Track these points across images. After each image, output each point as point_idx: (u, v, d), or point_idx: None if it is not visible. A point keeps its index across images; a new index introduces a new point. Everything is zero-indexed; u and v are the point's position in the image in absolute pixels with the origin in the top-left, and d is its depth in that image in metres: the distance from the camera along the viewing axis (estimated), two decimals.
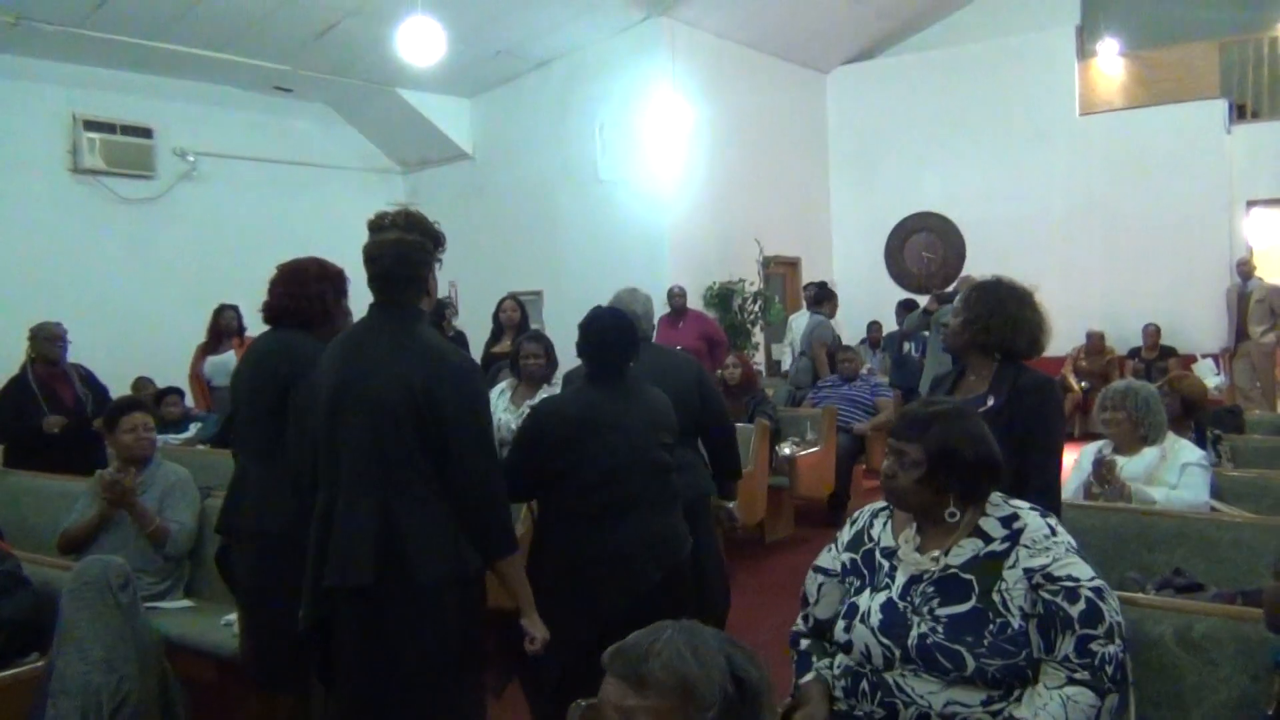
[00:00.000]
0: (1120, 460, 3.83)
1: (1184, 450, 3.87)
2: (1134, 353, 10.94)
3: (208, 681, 3.66)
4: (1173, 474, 3.78)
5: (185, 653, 3.52)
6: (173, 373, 8.18)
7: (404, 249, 2.64)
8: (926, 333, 8.12)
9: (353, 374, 2.57)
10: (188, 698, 3.05)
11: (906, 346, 9.10)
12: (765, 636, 3.95)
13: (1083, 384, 10.61)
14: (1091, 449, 4.04)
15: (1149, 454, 3.87)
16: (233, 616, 3.55)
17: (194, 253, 9.92)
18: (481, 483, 2.54)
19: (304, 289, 3.12)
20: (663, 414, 3.21)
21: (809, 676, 2.32)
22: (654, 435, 3.13)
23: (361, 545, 2.46)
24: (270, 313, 3.17)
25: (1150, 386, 4.06)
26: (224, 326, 7.88)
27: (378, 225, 2.68)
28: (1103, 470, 3.74)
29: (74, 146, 9.29)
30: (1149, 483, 3.77)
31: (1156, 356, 10.45)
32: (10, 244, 8.81)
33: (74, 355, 6.23)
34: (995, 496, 2.23)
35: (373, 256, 2.64)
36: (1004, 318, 2.94)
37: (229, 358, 7.72)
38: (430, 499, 2.50)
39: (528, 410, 3.53)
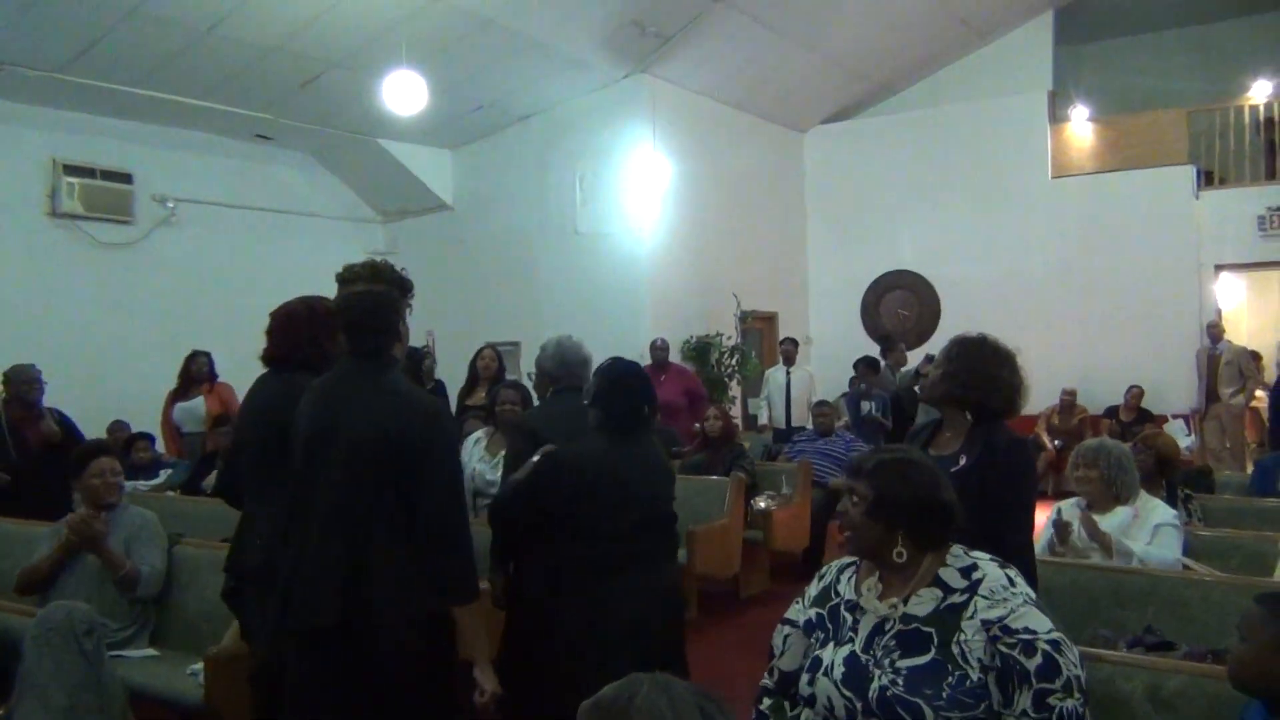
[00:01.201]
0: (1095, 518, 3.85)
1: (1157, 510, 3.90)
2: (1110, 412, 11.02)
3: None
4: (1145, 533, 3.81)
5: (150, 702, 3.46)
6: (148, 417, 8.14)
7: (372, 300, 2.72)
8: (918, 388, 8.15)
9: (327, 421, 2.62)
10: None
11: (865, 406, 9.14)
12: (738, 691, 3.91)
13: (1056, 442, 10.68)
14: (1065, 505, 4.06)
15: (1122, 513, 3.89)
16: (198, 666, 3.50)
17: (171, 298, 9.88)
18: (446, 528, 2.57)
19: (296, 334, 3.16)
20: (666, 467, 3.27)
21: None
22: (663, 488, 3.18)
23: (327, 587, 2.49)
24: (267, 358, 3.21)
25: (1123, 446, 4.10)
26: (195, 373, 7.86)
27: (345, 278, 2.78)
28: (1063, 532, 3.79)
29: (53, 190, 9.26)
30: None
31: (1134, 419, 10.53)
32: None
33: (50, 398, 6.18)
34: (956, 548, 2.24)
35: (342, 308, 2.74)
36: (983, 376, 2.96)
37: (198, 404, 7.69)
38: (396, 542, 2.53)
39: (507, 457, 3.45)
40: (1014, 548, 2.72)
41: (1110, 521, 3.86)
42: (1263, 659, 2.01)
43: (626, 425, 3.14)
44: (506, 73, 9.93)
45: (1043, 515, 4.18)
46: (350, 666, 2.49)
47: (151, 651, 3.99)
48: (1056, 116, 12.33)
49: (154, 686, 3.58)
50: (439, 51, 8.88)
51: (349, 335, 2.72)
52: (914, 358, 9.91)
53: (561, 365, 3.82)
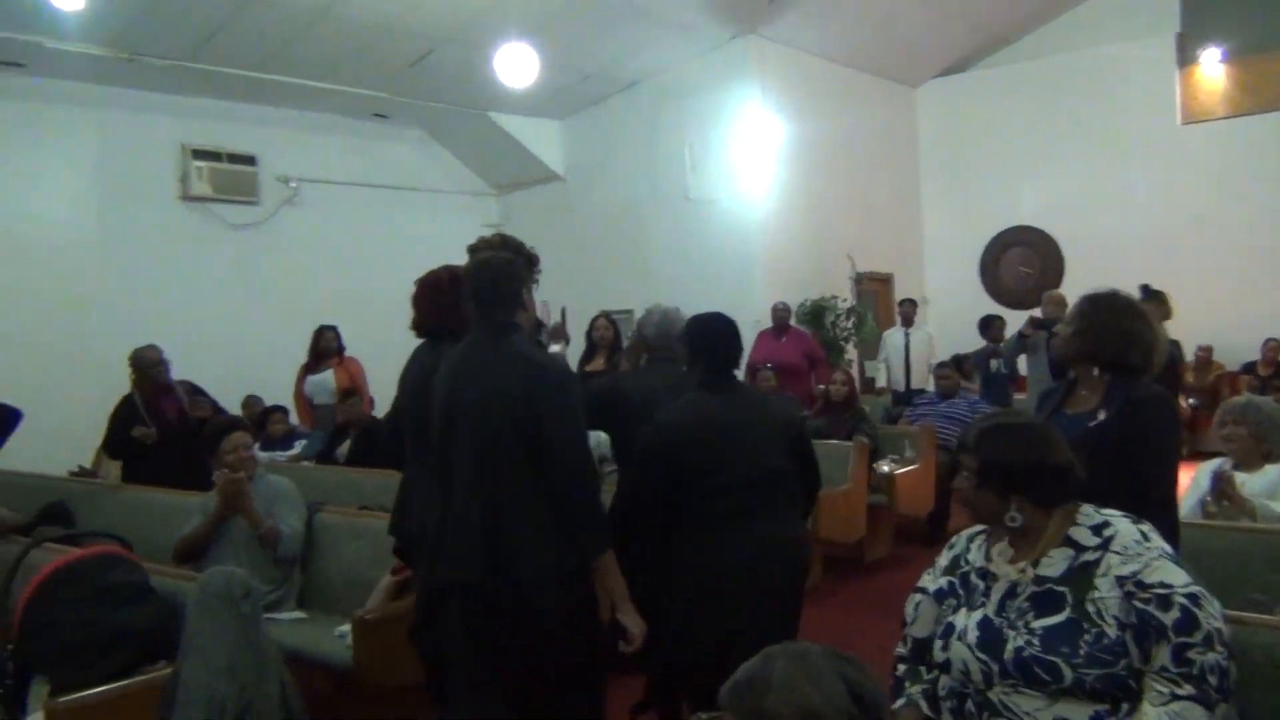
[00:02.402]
0: (1240, 476, 3.70)
1: None
2: (1248, 368, 10.53)
3: (322, 691, 3.75)
4: None
5: (300, 663, 3.60)
6: (280, 391, 8.43)
7: (496, 267, 2.82)
8: (1024, 356, 7.94)
9: (458, 386, 2.74)
10: (305, 706, 3.11)
11: (994, 364, 8.92)
12: (865, 654, 3.89)
13: (1190, 401, 10.27)
14: (1209, 466, 3.91)
15: (1271, 471, 3.74)
16: (345, 628, 3.63)
17: (297, 275, 10.23)
18: (575, 486, 2.64)
19: (440, 299, 3.25)
20: (784, 420, 3.26)
21: (900, 703, 2.31)
22: (775, 441, 3.16)
23: (470, 544, 2.60)
24: (419, 327, 3.32)
25: (1272, 402, 3.92)
26: (323, 347, 8.06)
27: (475, 248, 2.93)
28: (1222, 485, 3.62)
29: (184, 175, 9.67)
30: (1272, 500, 3.63)
31: (1274, 373, 10.04)
32: (127, 268, 9.22)
33: (186, 374, 6.43)
34: (1086, 507, 2.20)
35: (470, 276, 2.85)
36: (1116, 331, 2.86)
37: (327, 376, 7.91)
38: (532, 500, 2.63)
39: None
40: (1156, 503, 2.64)
41: (1259, 481, 3.70)
42: None
43: (723, 376, 3.20)
44: (613, 40, 9.91)
45: (1184, 476, 4.04)
46: (497, 620, 2.59)
47: (300, 614, 4.17)
48: (1185, 59, 11.71)
49: (304, 647, 3.73)
50: (547, 23, 8.91)
51: (475, 301, 2.82)
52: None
53: (662, 336, 3.87)
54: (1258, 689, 2.26)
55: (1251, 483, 3.70)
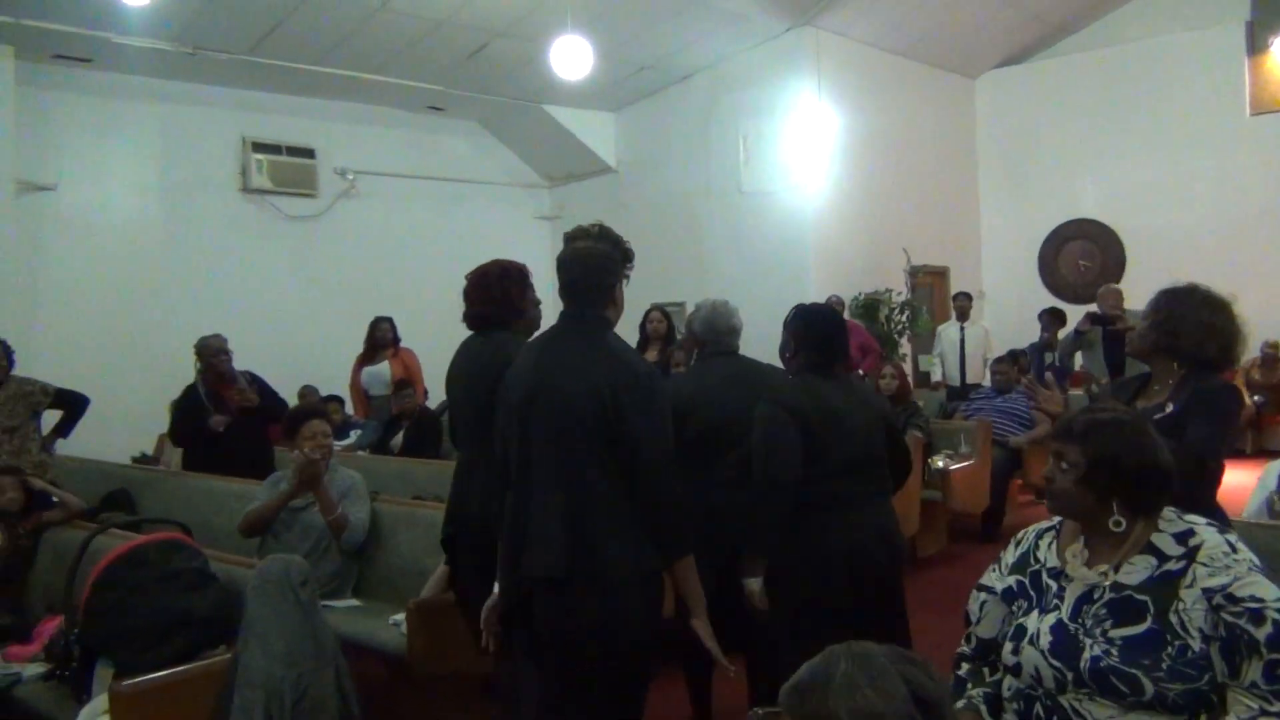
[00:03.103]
0: None
1: None
2: None
3: (376, 678, 3.80)
4: None
5: (355, 650, 3.65)
6: (335, 381, 8.54)
7: (592, 258, 2.77)
8: (1080, 353, 7.80)
9: (543, 379, 2.69)
10: (359, 693, 3.15)
11: (1049, 358, 8.78)
12: (920, 650, 3.85)
13: (1256, 398, 10.03)
14: (1278, 465, 3.81)
15: None
16: (400, 617, 3.67)
17: (353, 266, 10.35)
18: (658, 487, 2.60)
19: (490, 291, 3.26)
20: (880, 407, 3.34)
21: (960, 704, 2.25)
22: (879, 427, 3.22)
23: (554, 539, 2.58)
24: (471, 320, 3.33)
25: None
26: (379, 338, 8.15)
27: (572, 236, 2.87)
28: None
29: (244, 168, 9.83)
30: None
31: None
32: (189, 259, 9.38)
33: (244, 364, 6.54)
34: (1169, 512, 2.11)
35: (563, 265, 2.78)
36: (1194, 324, 2.79)
37: (383, 368, 7.99)
38: (616, 499, 2.60)
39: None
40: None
41: None
42: None
43: (829, 362, 3.24)
44: (668, 32, 9.89)
45: (1249, 475, 3.95)
46: (578, 616, 2.58)
47: (355, 602, 4.22)
48: (1256, 47, 11.40)
49: (360, 634, 3.78)
50: (602, 15, 8.91)
51: (566, 291, 2.77)
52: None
53: (709, 330, 3.84)
54: None
55: None
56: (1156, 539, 2.07)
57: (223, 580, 3.31)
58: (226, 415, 6.04)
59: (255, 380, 6.35)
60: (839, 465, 3.08)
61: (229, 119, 9.75)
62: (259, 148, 9.88)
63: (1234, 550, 2.01)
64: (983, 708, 2.23)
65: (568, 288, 2.77)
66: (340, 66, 9.41)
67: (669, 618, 2.89)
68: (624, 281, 2.87)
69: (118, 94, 9.10)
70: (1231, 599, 1.94)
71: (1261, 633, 1.90)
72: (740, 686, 3.34)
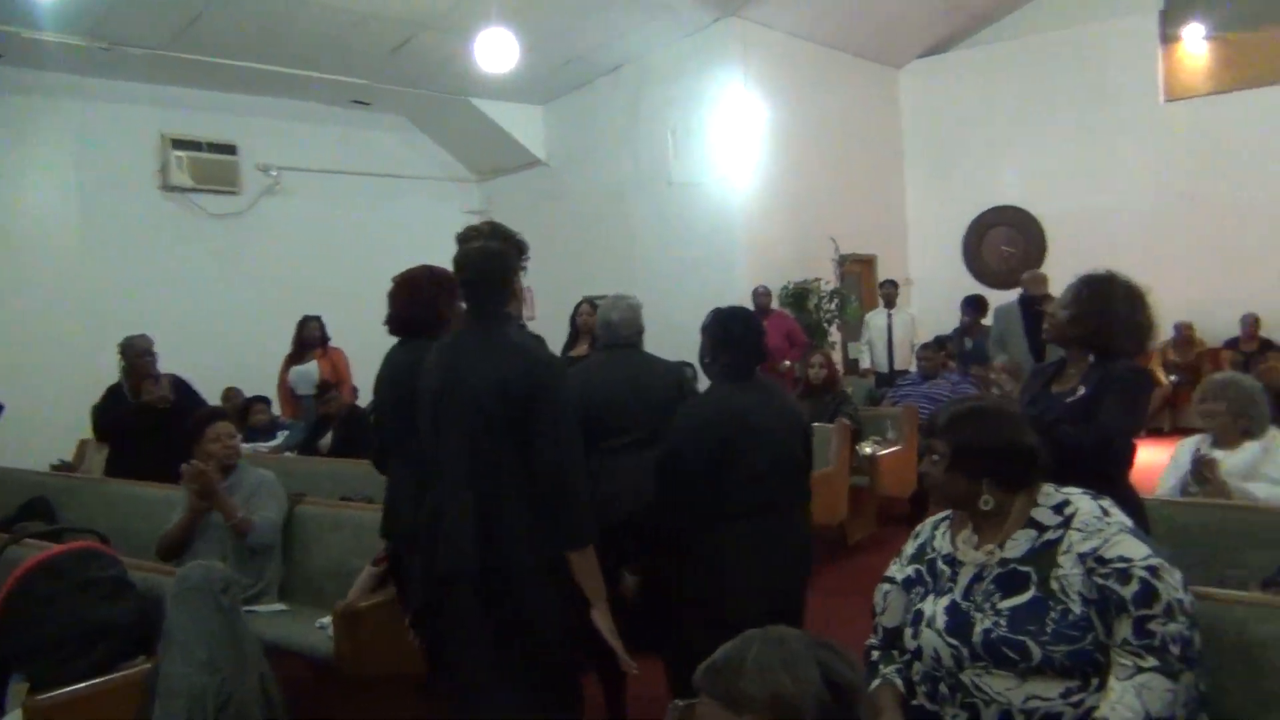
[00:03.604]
0: (1220, 454, 3.71)
1: None
2: (1230, 344, 10.59)
3: (303, 683, 3.75)
4: (1275, 469, 3.66)
5: (281, 655, 3.60)
6: (262, 382, 8.40)
7: (487, 257, 2.80)
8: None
9: (450, 378, 2.73)
10: (285, 698, 3.11)
11: (968, 343, 8.98)
12: (850, 636, 3.91)
13: (1173, 378, 10.32)
14: (1189, 443, 3.92)
15: (1250, 448, 3.74)
16: (327, 620, 3.63)
17: (278, 265, 10.18)
18: (561, 476, 2.64)
19: (418, 298, 3.26)
20: (796, 411, 3.32)
21: (876, 683, 2.32)
22: (796, 432, 3.22)
23: (464, 535, 2.62)
24: (394, 325, 3.31)
25: (1252, 379, 3.94)
26: (307, 337, 8.05)
27: (464, 237, 2.92)
28: (1202, 468, 3.63)
29: (163, 165, 9.60)
30: (1250, 478, 3.65)
31: (1256, 349, 10.09)
32: (108, 259, 9.14)
33: (166, 366, 6.42)
34: (1047, 487, 2.22)
35: (460, 265, 2.82)
36: (1117, 318, 2.87)
37: (311, 368, 7.90)
38: (525, 492, 2.64)
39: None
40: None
41: (1238, 458, 3.71)
42: None
43: (748, 366, 3.23)
44: (595, 24, 9.86)
45: (1165, 454, 4.06)
46: (492, 610, 2.62)
47: (281, 606, 4.16)
48: (1168, 36, 11.72)
49: (285, 639, 3.73)
50: (528, 7, 8.85)
51: (466, 291, 2.82)
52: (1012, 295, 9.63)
53: (602, 324, 3.86)
54: (1229, 664, 2.28)
55: (1230, 460, 3.70)
56: (1036, 513, 2.18)
57: (141, 588, 3.23)
58: (148, 420, 5.93)
59: (177, 383, 6.25)
60: (757, 473, 3.07)
61: (147, 115, 9.51)
62: (179, 144, 9.65)
63: (1106, 514, 2.12)
64: (898, 680, 2.31)
65: (467, 288, 2.82)
66: (262, 61, 9.22)
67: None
68: (522, 274, 2.91)
69: (30, 90, 8.82)
70: (1101, 560, 2.04)
71: (1128, 591, 1.99)
72: (660, 678, 3.37)
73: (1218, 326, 10.78)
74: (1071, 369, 3.00)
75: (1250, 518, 3.33)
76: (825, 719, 1.42)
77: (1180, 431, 9.21)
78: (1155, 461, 4.00)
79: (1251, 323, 10.41)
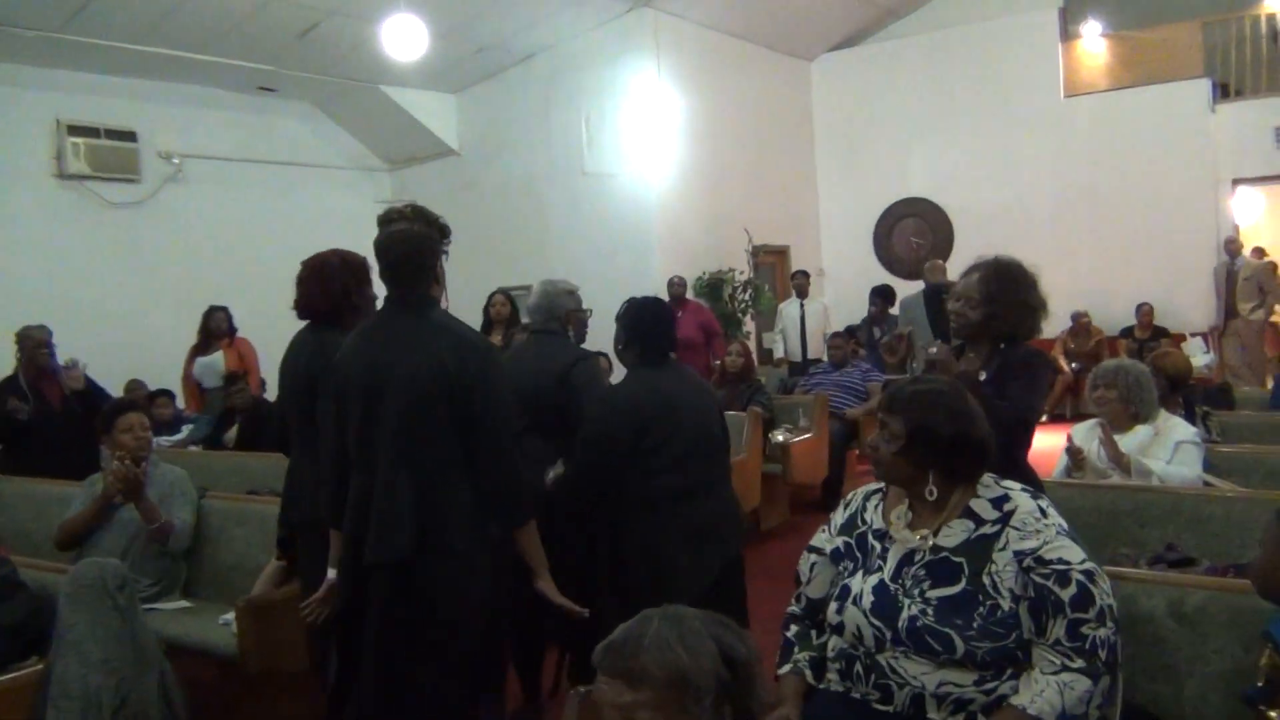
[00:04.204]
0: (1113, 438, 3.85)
1: (1177, 428, 3.89)
2: (1126, 332, 10.96)
3: (207, 681, 3.68)
4: (1166, 451, 3.80)
5: (184, 653, 3.52)
6: (164, 375, 8.17)
7: (410, 240, 2.77)
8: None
9: (384, 360, 2.69)
10: (187, 697, 3.04)
11: (877, 332, 9.17)
12: (760, 623, 3.96)
13: (1073, 365, 10.65)
14: (1083, 428, 4.05)
15: (1141, 432, 3.88)
16: (230, 616, 3.56)
17: (182, 255, 9.89)
18: (499, 456, 2.66)
19: (329, 284, 3.22)
20: (712, 393, 3.39)
21: (786, 668, 2.34)
22: (715, 414, 3.28)
23: (400, 520, 2.60)
24: (302, 310, 3.26)
25: (1141, 365, 4.08)
26: (213, 328, 7.87)
27: (386, 219, 2.84)
28: (1071, 456, 3.81)
29: (59, 152, 9.25)
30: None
31: (1150, 336, 10.47)
32: (1, 250, 8.77)
33: (66, 358, 6.22)
34: (987, 478, 2.23)
35: (383, 249, 2.78)
36: (1016, 305, 2.93)
37: (217, 359, 7.73)
38: (460, 473, 2.65)
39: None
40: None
41: (1130, 441, 3.85)
42: (1271, 565, 2.03)
43: (661, 352, 3.30)
44: (507, 11, 9.77)
45: (1059, 438, 4.19)
46: (424, 591, 2.61)
47: (184, 603, 4.06)
48: (1068, 33, 12.07)
49: (188, 637, 3.64)
50: None
51: (390, 274, 2.77)
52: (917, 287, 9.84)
53: (537, 310, 3.90)
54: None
55: (1123, 443, 3.84)
56: (975, 504, 2.18)
57: (33, 588, 3.13)
58: (48, 410, 5.76)
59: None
60: (680, 454, 3.13)
61: (41, 100, 9.14)
62: (75, 130, 9.30)
63: (1044, 515, 2.14)
64: (808, 671, 2.32)
65: (390, 271, 2.77)
66: (162, 45, 8.92)
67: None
68: (444, 258, 2.89)
69: None
70: (1041, 561, 2.06)
71: (1066, 593, 2.03)
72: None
73: (1114, 315, 11.14)
74: (971, 353, 3.05)
75: (1139, 497, 3.46)
76: (723, 694, 1.44)
77: (1080, 417, 9.49)
78: (1057, 446, 4.13)
79: (1145, 312, 10.78)
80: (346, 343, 2.84)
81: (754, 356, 10.53)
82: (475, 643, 2.68)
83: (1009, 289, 2.95)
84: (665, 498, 3.13)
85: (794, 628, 2.41)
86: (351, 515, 2.71)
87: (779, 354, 10.31)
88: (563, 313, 3.82)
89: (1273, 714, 2.02)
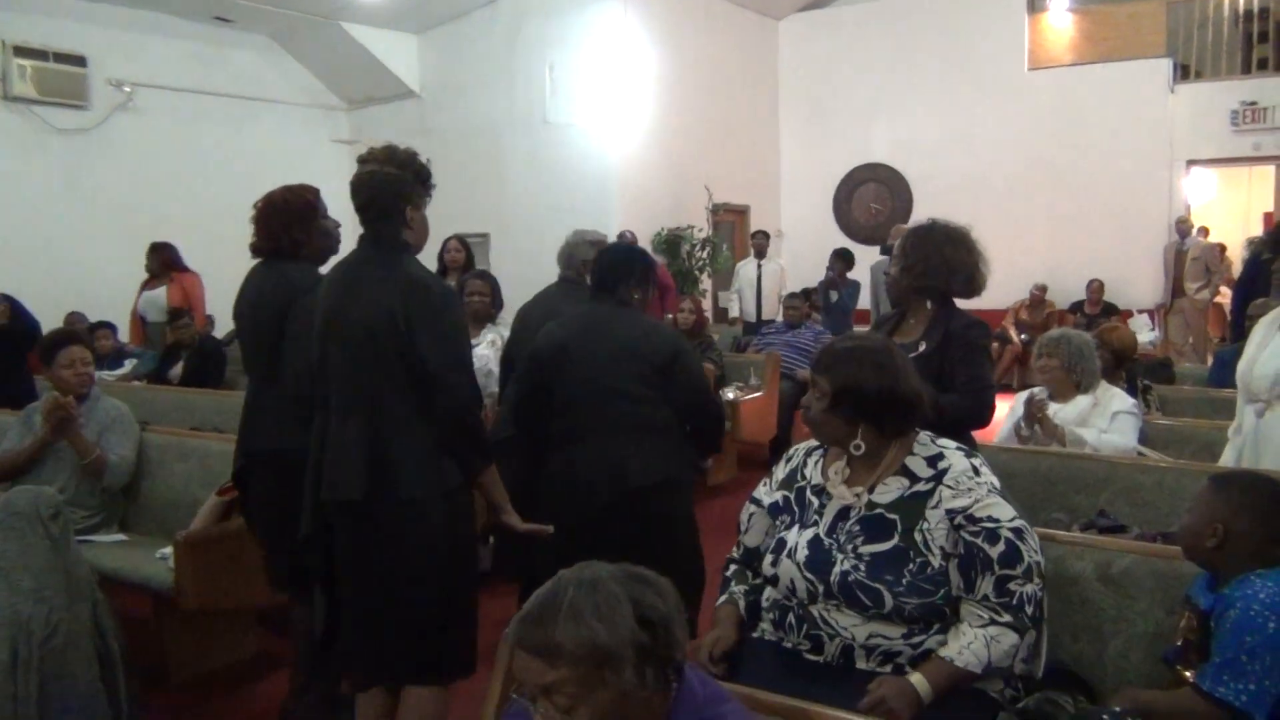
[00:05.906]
0: (1054, 406, 3.91)
1: (1116, 398, 3.96)
2: (1076, 307, 11.11)
3: (143, 614, 3.64)
4: (1104, 420, 3.87)
5: (121, 586, 3.49)
6: (107, 309, 8.02)
7: (379, 182, 2.74)
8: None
9: (340, 303, 2.70)
10: (121, 630, 3.01)
11: (833, 295, 9.22)
12: (707, 576, 3.99)
13: (1023, 336, 10.77)
14: (1026, 395, 4.11)
15: (1082, 401, 3.95)
16: (168, 550, 3.53)
17: (130, 186, 9.69)
18: (452, 403, 2.64)
19: (277, 220, 3.17)
20: (648, 346, 3.21)
21: (722, 599, 2.39)
22: (624, 364, 3.17)
23: (351, 463, 2.61)
24: (256, 249, 3.24)
25: (1084, 335, 4.14)
26: (162, 263, 7.72)
27: (363, 159, 2.83)
28: (1032, 409, 3.82)
29: (4, 74, 8.98)
30: (1080, 428, 3.85)
31: (1099, 312, 10.62)
32: None
33: (4, 287, 6.08)
34: (923, 436, 2.26)
35: (353, 189, 2.77)
36: (940, 260, 2.96)
37: (160, 294, 7.62)
38: (412, 419, 2.63)
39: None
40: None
41: (1070, 409, 3.91)
42: (1197, 528, 2.13)
43: (602, 293, 3.29)
44: None
45: (1005, 405, 4.25)
46: (382, 537, 2.62)
47: (120, 536, 4.02)
48: (1035, 5, 12.10)
49: (123, 570, 3.61)
50: None
51: (360, 217, 2.76)
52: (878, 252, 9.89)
53: (562, 258, 4.07)
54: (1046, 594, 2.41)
55: (1063, 412, 3.91)
56: (910, 461, 2.21)
57: None
58: None
59: (9, 301, 5.91)
60: (564, 401, 3.17)
61: None
62: (22, 52, 9.04)
63: (977, 474, 2.17)
64: (741, 601, 2.37)
65: (360, 212, 2.76)
66: None
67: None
68: (424, 203, 2.84)
69: None
70: (971, 519, 2.10)
71: (995, 550, 2.07)
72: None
73: (1067, 289, 11.28)
74: (912, 319, 3.08)
75: (1074, 465, 3.52)
76: (644, 658, 1.43)
77: (1027, 388, 9.64)
78: (1002, 416, 4.18)
79: (1095, 288, 10.92)
80: (322, 281, 2.86)
81: (710, 314, 10.58)
82: (434, 589, 2.66)
83: (927, 247, 2.98)
84: (554, 444, 3.20)
85: (732, 568, 2.47)
86: (312, 451, 2.74)
87: (734, 313, 10.33)
88: (578, 262, 3.91)
89: (1188, 673, 2.08)
